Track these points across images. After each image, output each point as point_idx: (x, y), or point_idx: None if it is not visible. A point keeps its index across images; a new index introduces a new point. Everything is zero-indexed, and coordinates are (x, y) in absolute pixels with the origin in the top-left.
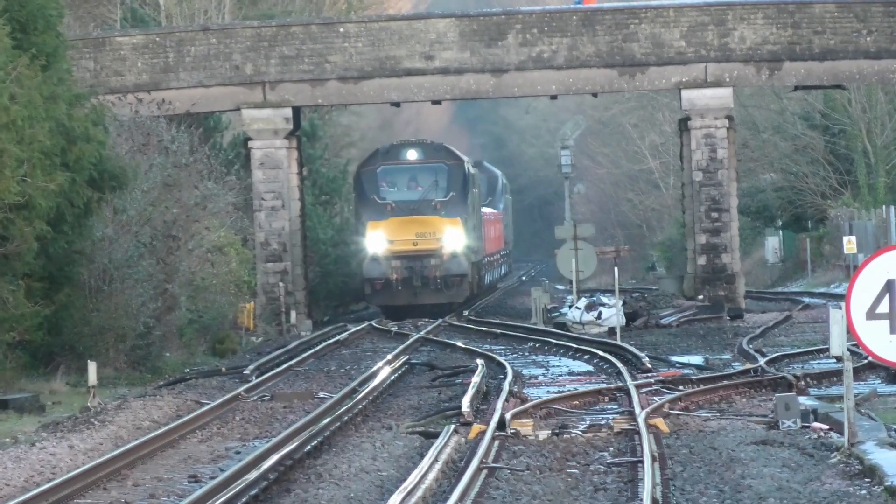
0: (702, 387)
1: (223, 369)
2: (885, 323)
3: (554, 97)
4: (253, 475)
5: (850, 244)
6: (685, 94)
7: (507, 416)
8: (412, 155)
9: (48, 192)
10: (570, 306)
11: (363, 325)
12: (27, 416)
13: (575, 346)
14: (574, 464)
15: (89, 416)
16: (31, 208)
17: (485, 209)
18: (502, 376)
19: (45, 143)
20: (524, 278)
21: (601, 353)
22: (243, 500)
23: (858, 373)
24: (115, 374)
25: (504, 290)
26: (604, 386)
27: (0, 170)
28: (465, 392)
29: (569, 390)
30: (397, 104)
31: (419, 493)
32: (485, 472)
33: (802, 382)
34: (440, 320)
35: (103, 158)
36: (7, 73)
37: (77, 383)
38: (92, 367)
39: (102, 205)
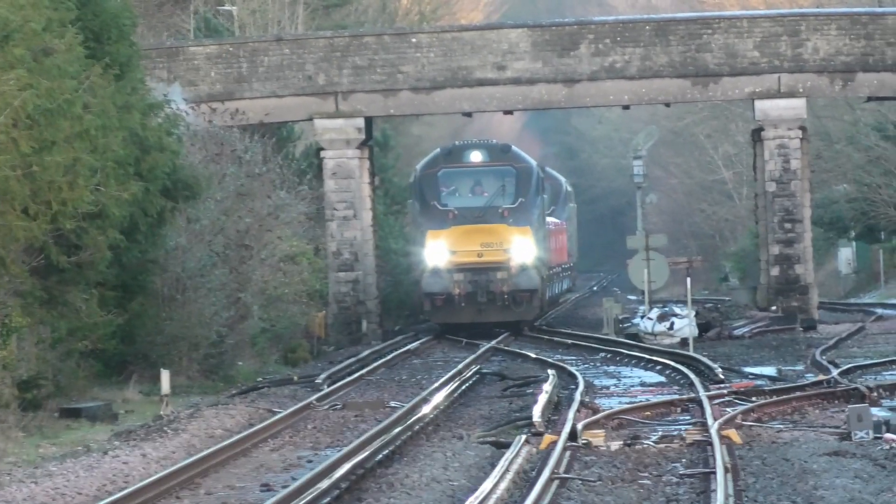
0: (775, 398)
1: (295, 378)
2: None
3: (626, 107)
4: (325, 484)
5: None
6: (758, 104)
7: (579, 426)
8: (476, 157)
9: (122, 201)
10: (642, 317)
11: (434, 335)
12: (100, 424)
13: (647, 356)
14: (646, 475)
15: (162, 424)
16: (104, 217)
17: (547, 219)
18: (574, 387)
19: (119, 153)
20: (595, 289)
21: (673, 363)
22: None
23: None
24: (188, 383)
25: (575, 302)
26: (676, 397)
27: (74, 179)
28: (536, 402)
29: (641, 401)
30: (469, 114)
31: (490, 502)
32: (556, 482)
33: (875, 394)
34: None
35: (177, 168)
36: (80, 83)
37: (150, 392)
38: (165, 375)
39: (176, 214)
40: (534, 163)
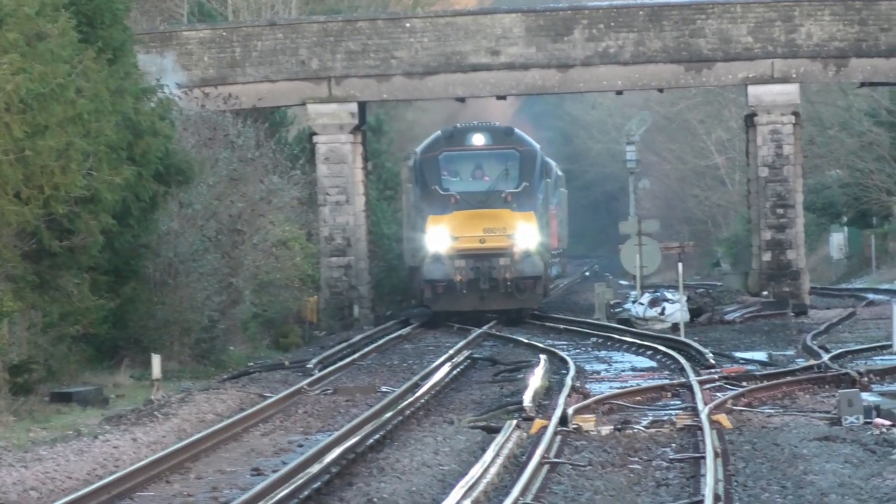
0: (765, 383)
1: (286, 363)
2: None
3: (620, 93)
4: (315, 469)
5: None
6: (752, 89)
7: (570, 411)
8: (479, 140)
9: (114, 185)
10: (634, 302)
11: (426, 320)
12: (91, 408)
13: (638, 341)
14: (636, 459)
15: (153, 408)
16: (97, 202)
17: None
18: (564, 371)
19: (112, 137)
20: (587, 274)
21: (664, 348)
22: (306, 493)
23: None
24: (180, 368)
25: (567, 287)
26: (667, 382)
27: (66, 163)
28: (527, 387)
29: (631, 386)
30: (462, 100)
31: (481, 487)
32: (546, 467)
33: (866, 379)
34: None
35: (169, 152)
36: (73, 67)
37: (141, 376)
38: (156, 360)
39: (168, 199)
40: (537, 146)
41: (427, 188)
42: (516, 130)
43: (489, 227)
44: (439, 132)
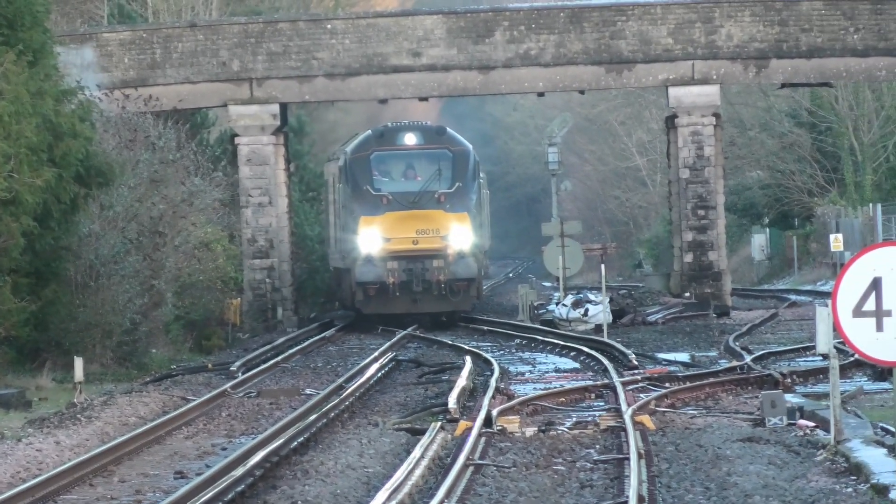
0: (688, 384)
1: (209, 366)
2: (872, 321)
3: (541, 94)
4: (239, 472)
5: (836, 242)
6: (672, 91)
7: (494, 412)
8: (411, 139)
9: (35, 187)
10: (557, 303)
11: (349, 322)
12: (13, 411)
13: (562, 342)
14: (560, 461)
15: (75, 411)
16: (17, 204)
17: None
18: (489, 373)
19: (32, 139)
20: (510, 275)
21: (588, 349)
22: (229, 496)
23: (845, 370)
24: (102, 370)
25: (490, 289)
26: (590, 383)
27: None
28: (451, 389)
29: (555, 387)
30: (384, 101)
31: (405, 489)
32: (471, 468)
33: (789, 380)
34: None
35: (90, 154)
36: None
37: (63, 379)
38: (78, 362)
39: (89, 201)
40: (469, 146)
41: (358, 188)
42: (448, 130)
43: (422, 229)
44: (370, 131)
